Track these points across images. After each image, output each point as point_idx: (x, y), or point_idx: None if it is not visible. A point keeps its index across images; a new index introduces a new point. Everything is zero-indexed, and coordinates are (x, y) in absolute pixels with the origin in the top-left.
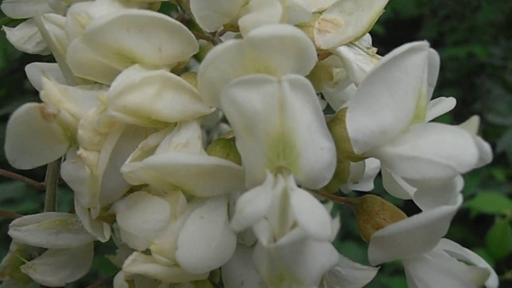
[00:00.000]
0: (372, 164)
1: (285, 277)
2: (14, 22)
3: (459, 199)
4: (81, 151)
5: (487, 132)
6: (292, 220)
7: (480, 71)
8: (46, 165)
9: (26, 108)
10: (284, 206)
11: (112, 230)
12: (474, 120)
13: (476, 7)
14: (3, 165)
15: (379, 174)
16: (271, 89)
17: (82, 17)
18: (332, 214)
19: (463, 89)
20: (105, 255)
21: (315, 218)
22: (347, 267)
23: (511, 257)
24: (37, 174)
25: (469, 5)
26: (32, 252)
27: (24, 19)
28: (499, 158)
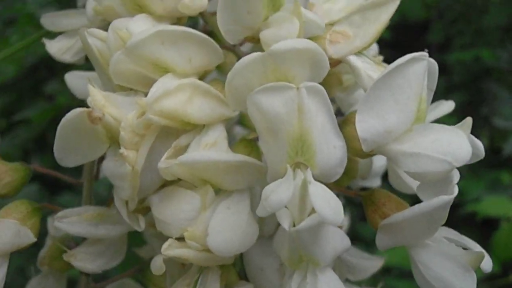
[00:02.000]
0: (379, 163)
1: (303, 259)
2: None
3: (455, 190)
4: (122, 150)
5: (494, 136)
6: (310, 208)
7: (487, 75)
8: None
9: (76, 112)
10: (303, 195)
11: None
12: (468, 121)
13: (483, 10)
14: None
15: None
16: (291, 95)
17: (122, 32)
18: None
19: (470, 93)
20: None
21: (330, 205)
22: (357, 257)
23: None
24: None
25: (476, 8)
26: (70, 244)
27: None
28: (506, 162)
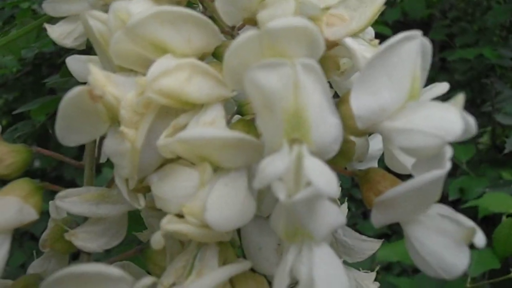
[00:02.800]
0: (376, 146)
1: (298, 232)
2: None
3: (448, 165)
4: (122, 128)
5: (496, 132)
6: (305, 180)
7: (489, 73)
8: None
9: (77, 90)
10: (298, 167)
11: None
12: (460, 97)
13: (486, 8)
14: None
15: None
16: (286, 71)
17: (122, 13)
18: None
19: (473, 90)
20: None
21: (325, 177)
22: (354, 238)
23: None
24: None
25: (479, 6)
26: (71, 225)
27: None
28: (508, 159)
